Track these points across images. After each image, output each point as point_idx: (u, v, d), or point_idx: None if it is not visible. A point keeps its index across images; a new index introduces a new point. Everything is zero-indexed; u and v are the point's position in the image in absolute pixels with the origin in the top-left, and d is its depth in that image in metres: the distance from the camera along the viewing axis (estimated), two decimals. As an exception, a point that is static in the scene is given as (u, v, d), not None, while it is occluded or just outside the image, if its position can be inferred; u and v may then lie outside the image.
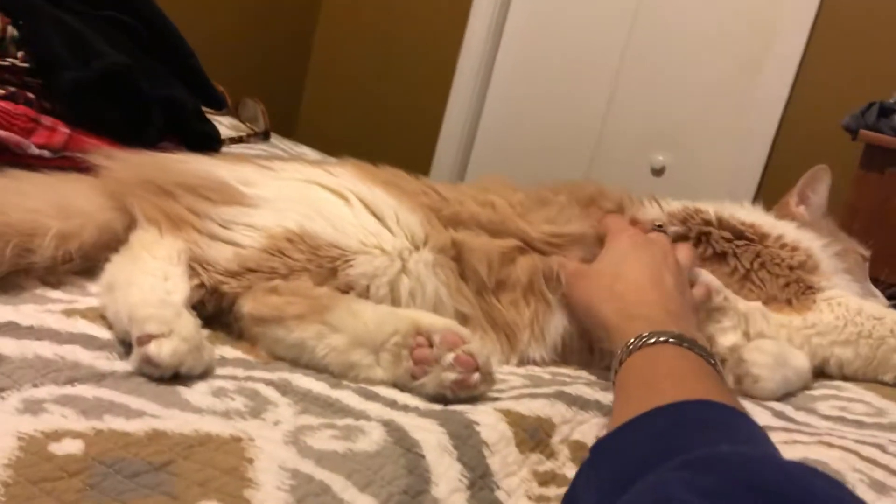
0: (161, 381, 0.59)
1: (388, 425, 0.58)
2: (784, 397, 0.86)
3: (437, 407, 0.64)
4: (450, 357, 0.65)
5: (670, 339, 0.61)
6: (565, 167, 2.95)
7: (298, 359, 0.67)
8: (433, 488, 0.52)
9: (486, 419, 0.60)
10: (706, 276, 0.87)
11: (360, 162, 0.87)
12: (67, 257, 0.70)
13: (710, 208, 1.04)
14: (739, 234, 1.00)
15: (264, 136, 1.44)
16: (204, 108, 1.24)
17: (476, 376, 0.65)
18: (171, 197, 0.74)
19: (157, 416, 0.54)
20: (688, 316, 0.72)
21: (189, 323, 0.61)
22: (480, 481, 0.55)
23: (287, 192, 0.79)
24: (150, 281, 0.66)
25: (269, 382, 0.63)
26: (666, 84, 2.80)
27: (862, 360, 0.92)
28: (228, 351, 0.69)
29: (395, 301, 0.75)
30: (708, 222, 1.00)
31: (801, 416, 0.80)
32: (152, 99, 1.00)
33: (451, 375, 0.64)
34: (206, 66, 1.19)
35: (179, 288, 0.66)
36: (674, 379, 0.57)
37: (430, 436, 0.57)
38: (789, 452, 0.67)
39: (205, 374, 0.61)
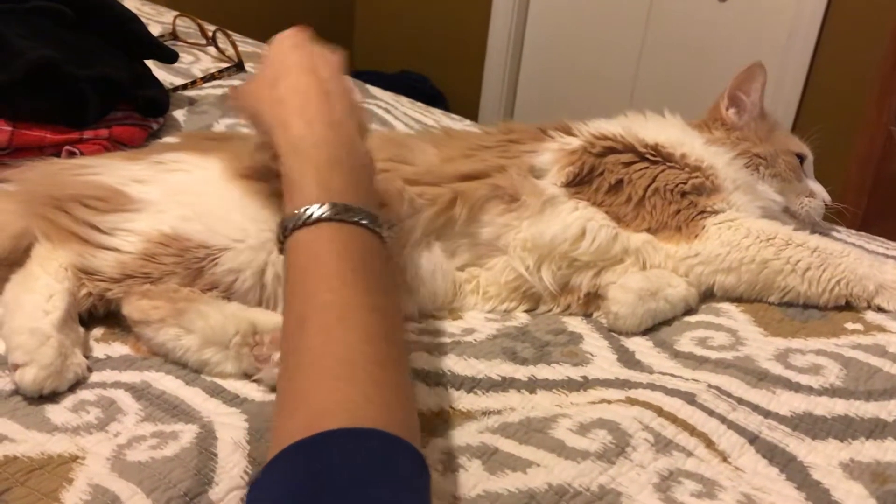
0: (34, 399, 0.72)
1: (204, 427, 0.69)
2: (656, 327, 0.92)
3: (269, 397, 0.75)
4: (277, 355, 0.74)
5: (333, 217, 0.64)
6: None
7: (165, 356, 0.79)
8: (213, 488, 0.62)
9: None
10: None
11: (234, 149, 0.93)
12: None
13: (618, 129, 1.05)
14: (641, 156, 1.01)
15: (238, 68, 1.49)
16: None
17: (299, 369, 0.75)
18: (62, 210, 0.84)
19: (14, 440, 0.67)
20: (348, 111, 0.73)
21: (50, 350, 0.72)
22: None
23: (172, 187, 0.88)
24: (34, 301, 0.77)
25: (129, 387, 0.75)
26: None
27: (745, 285, 0.95)
28: (117, 348, 0.81)
29: (262, 289, 0.84)
30: (610, 149, 1.02)
31: (651, 356, 0.86)
32: (84, 81, 1.09)
33: (278, 370, 0.74)
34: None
35: (58, 306, 0.77)
36: (330, 283, 0.61)
37: (229, 433, 0.68)
38: (589, 413, 0.74)
39: (76, 386, 0.74)
